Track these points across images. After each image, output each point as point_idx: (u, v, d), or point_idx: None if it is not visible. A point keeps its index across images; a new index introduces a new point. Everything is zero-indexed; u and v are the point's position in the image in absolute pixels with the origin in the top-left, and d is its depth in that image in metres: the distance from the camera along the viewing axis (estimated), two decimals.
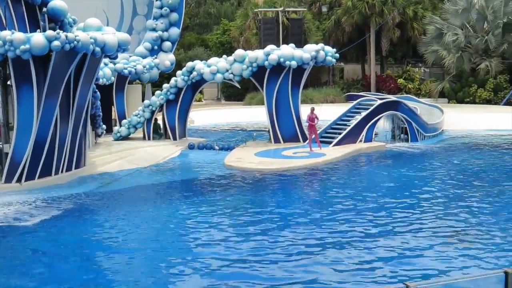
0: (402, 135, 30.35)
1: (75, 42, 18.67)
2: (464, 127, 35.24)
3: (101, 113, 26.78)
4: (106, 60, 28.07)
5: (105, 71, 29.39)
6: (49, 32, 18.40)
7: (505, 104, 44.04)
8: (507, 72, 46.63)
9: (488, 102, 45.21)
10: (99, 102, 26.35)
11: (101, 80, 28.23)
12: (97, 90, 25.90)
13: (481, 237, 13.86)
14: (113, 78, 30.58)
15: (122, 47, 20.91)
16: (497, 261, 12.09)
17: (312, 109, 26.38)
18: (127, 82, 32.34)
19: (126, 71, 31.18)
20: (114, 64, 30.54)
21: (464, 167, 23.73)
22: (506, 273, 6.97)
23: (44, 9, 22.41)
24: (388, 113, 29.58)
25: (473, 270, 11.41)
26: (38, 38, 18.23)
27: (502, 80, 45.95)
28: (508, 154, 27.15)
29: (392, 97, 33.78)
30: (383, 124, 30.76)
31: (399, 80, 51.12)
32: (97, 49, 19.80)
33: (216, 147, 27.55)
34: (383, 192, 19.00)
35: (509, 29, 46.00)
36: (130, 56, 32.09)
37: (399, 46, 54.90)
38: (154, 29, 33.75)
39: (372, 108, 28.66)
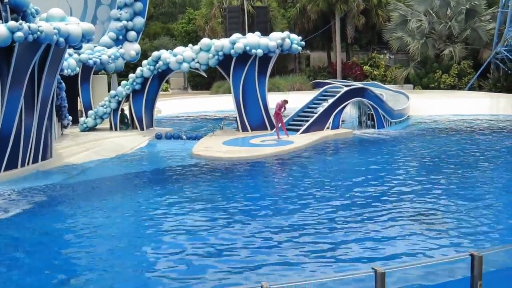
0: (368, 122, 30.61)
1: (38, 32, 18.41)
2: (430, 113, 35.66)
3: (66, 104, 26.48)
4: (71, 50, 27.74)
5: (70, 62, 29.09)
6: (12, 23, 18.09)
7: (469, 89, 44.66)
8: (470, 58, 47.26)
9: (452, 87, 45.79)
10: (64, 93, 26.05)
11: (65, 71, 27.93)
12: (62, 81, 25.61)
13: (448, 221, 14.05)
14: (78, 68, 30.29)
15: (86, 37, 20.68)
16: (463, 244, 12.28)
17: (285, 101, 26.33)
18: (92, 73, 32.04)
19: (91, 62, 30.90)
20: (79, 54, 30.23)
21: (430, 152, 24.04)
22: (472, 255, 7.09)
23: (6, 0, 22.05)
24: (355, 100, 29.78)
25: (440, 254, 11.57)
26: (0, 29, 17.93)
27: (466, 66, 46.55)
28: (472, 138, 27.57)
29: (358, 84, 34.00)
30: (350, 111, 30.98)
31: (364, 67, 51.49)
32: (61, 39, 19.56)
33: (184, 137, 27.47)
34: (351, 178, 19.13)
35: (472, 15, 46.62)
36: (94, 47, 31.78)
37: (364, 33, 55.28)
38: (118, 19, 33.45)
39: (338, 95, 28.82)
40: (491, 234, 13.15)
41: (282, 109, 26.07)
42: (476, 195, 16.67)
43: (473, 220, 14.12)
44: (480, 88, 44.45)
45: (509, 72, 43.15)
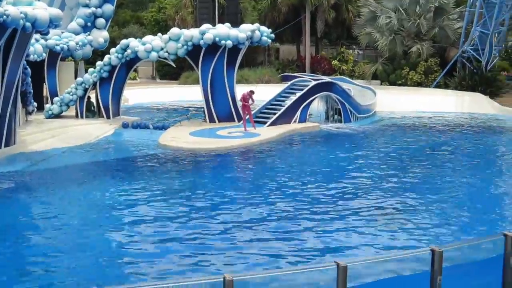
0: (335, 116, 30.77)
1: (4, 16, 18.13)
2: (396, 109, 35.97)
3: (32, 90, 26.15)
4: (37, 36, 27.34)
5: (36, 47, 28.69)
6: None
7: (436, 86, 45.10)
8: (437, 56, 47.70)
9: (419, 84, 46.17)
10: (30, 79, 25.74)
11: (32, 56, 27.57)
12: (27, 66, 25.29)
13: (410, 216, 14.22)
14: (44, 54, 29.92)
15: (53, 23, 20.40)
16: (424, 239, 12.44)
17: (251, 92, 26.35)
18: (59, 59, 31.65)
19: (58, 48, 30.52)
20: (46, 40, 29.83)
21: (395, 148, 24.28)
22: (432, 250, 7.18)
23: None
24: (322, 94, 29.91)
25: (401, 248, 11.70)
26: None
27: (433, 63, 46.97)
28: (437, 135, 27.91)
29: (326, 78, 34.14)
30: (317, 105, 31.09)
31: (333, 61, 51.64)
32: (28, 24, 19.28)
33: (151, 126, 27.31)
34: (316, 172, 19.24)
35: (440, 13, 47.05)
36: (62, 33, 31.38)
37: (334, 28, 55.35)
38: (87, 5, 33.02)
39: (306, 89, 28.91)
40: (452, 229, 13.35)
41: (250, 101, 26.06)
42: (439, 190, 16.89)
43: (435, 215, 14.32)
44: (446, 86, 44.90)
45: (475, 71, 43.69)
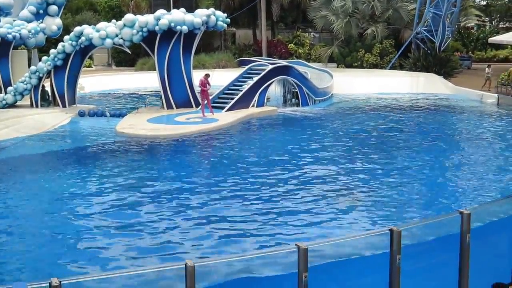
0: (293, 100, 30.89)
1: None
2: (352, 91, 36.24)
3: None
4: None
5: None
6: None
7: (391, 68, 45.61)
8: (392, 37, 48.19)
9: (375, 66, 46.63)
10: None
11: None
12: None
13: (368, 197, 14.42)
14: None
15: (4, 10, 20.06)
16: (383, 219, 12.63)
17: (207, 75, 26.30)
18: (11, 48, 31.00)
19: (10, 36, 29.85)
20: None
21: (352, 130, 24.52)
22: (391, 230, 7.29)
23: None
24: (280, 78, 29.96)
25: (361, 229, 11.86)
26: None
27: (388, 45, 47.46)
28: (393, 116, 28.25)
29: (283, 62, 34.19)
30: (275, 88, 31.15)
31: (289, 45, 51.74)
32: None
33: (108, 114, 27.01)
34: (274, 156, 19.31)
35: None
36: (14, 21, 30.69)
37: (289, 12, 55.41)
38: None
39: (263, 73, 28.94)
40: (410, 209, 13.57)
41: (208, 87, 25.97)
42: (397, 171, 17.14)
43: (393, 196, 14.54)
44: (401, 67, 45.46)
45: (429, 52, 44.29)
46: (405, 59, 45.45)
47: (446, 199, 14.37)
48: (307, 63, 43.20)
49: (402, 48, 45.79)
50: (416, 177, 16.70)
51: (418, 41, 45.38)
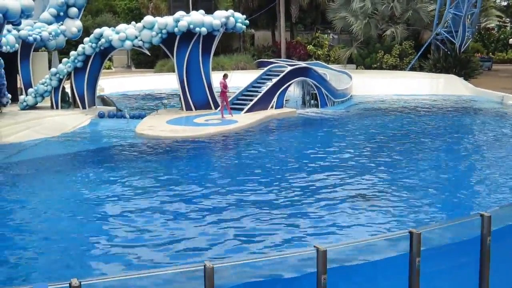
0: (312, 101, 30.84)
1: None
2: (372, 93, 36.15)
3: (5, 82, 25.86)
4: (9, 26, 27.00)
5: (9, 38, 28.34)
6: None
7: (410, 69, 45.42)
8: (412, 38, 48.01)
9: (394, 67, 46.48)
10: (3, 70, 25.45)
11: (4, 47, 27.24)
12: (0, 58, 24.96)
13: (389, 199, 14.33)
14: (17, 45, 29.53)
15: (25, 13, 20.20)
16: (403, 221, 12.55)
17: (225, 76, 26.35)
18: (32, 50, 31.28)
19: (31, 38, 30.13)
20: (18, 31, 29.44)
21: (372, 131, 24.44)
22: (411, 233, 7.25)
23: None
24: (298, 79, 29.94)
25: (381, 231, 11.79)
26: None
27: (407, 46, 47.28)
28: (413, 118, 28.10)
29: (302, 64, 34.16)
30: (294, 90, 31.13)
31: (308, 46, 51.74)
32: None
33: (127, 116, 27.15)
34: (294, 158, 19.29)
35: None
36: (34, 23, 30.99)
37: (308, 13, 55.42)
38: None
39: (282, 74, 28.94)
40: (431, 211, 13.48)
41: (226, 86, 26.00)
42: (417, 173, 17.02)
43: (413, 198, 14.44)
44: (420, 69, 45.26)
45: (449, 53, 44.04)
46: (425, 60, 45.24)
47: (466, 202, 14.26)
48: (326, 64, 43.16)
49: (422, 49, 45.58)
50: (436, 179, 16.60)
51: (438, 42, 45.14)
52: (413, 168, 17.73)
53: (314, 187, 15.38)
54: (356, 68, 47.12)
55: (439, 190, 15.44)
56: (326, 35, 55.24)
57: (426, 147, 21.20)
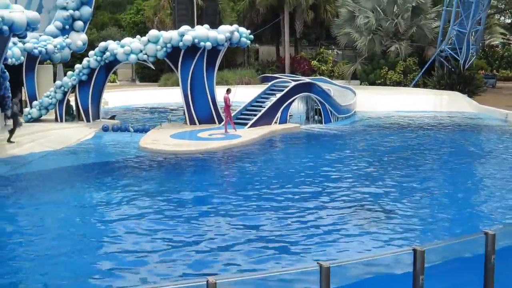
0: (316, 117, 30.85)
1: None
2: (376, 109, 36.13)
3: (10, 95, 25.92)
4: (15, 39, 27.12)
5: (14, 51, 28.45)
6: None
7: (414, 86, 45.44)
8: (416, 55, 48.08)
9: (398, 84, 46.51)
10: (8, 83, 25.53)
11: (9, 60, 27.35)
12: (5, 70, 25.07)
13: (392, 215, 14.30)
14: (22, 58, 29.63)
15: (31, 25, 20.28)
16: (406, 238, 12.52)
17: (228, 90, 26.39)
18: (37, 62, 31.39)
19: (36, 51, 30.25)
20: (24, 43, 29.56)
21: (375, 148, 24.41)
22: (414, 250, 7.22)
23: None
24: (302, 94, 29.97)
25: (384, 248, 11.75)
26: None
27: (411, 63, 47.33)
28: (417, 134, 28.08)
29: (306, 79, 34.21)
30: (298, 105, 31.16)
31: (313, 62, 51.82)
32: (5, 27, 19.15)
33: (131, 129, 27.18)
34: (297, 173, 19.25)
35: (418, 13, 47.45)
36: (40, 36, 31.13)
37: (312, 28, 55.52)
38: (65, 8, 32.81)
39: (286, 89, 28.97)
40: (434, 228, 13.44)
41: (228, 102, 26.03)
42: (420, 190, 16.99)
43: (416, 215, 14.40)
44: (424, 85, 45.26)
45: (453, 70, 44.06)
46: (429, 77, 45.27)
47: (470, 219, 14.22)
48: (330, 80, 43.21)
49: (426, 66, 45.63)
50: (439, 196, 16.57)
51: (442, 59, 45.17)
52: (416, 184, 17.70)
53: (317, 203, 15.35)
54: (360, 84, 47.13)
55: (443, 207, 15.41)
56: (330, 50, 55.32)
57: (430, 164, 21.17)
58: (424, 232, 13.13)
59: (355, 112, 34.69)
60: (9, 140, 22.74)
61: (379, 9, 47.33)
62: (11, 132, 22.95)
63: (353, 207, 15.02)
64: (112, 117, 30.40)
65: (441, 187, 17.62)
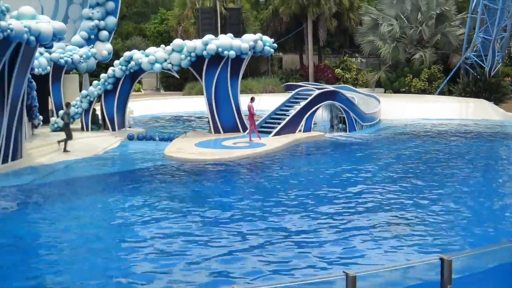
0: (340, 125, 30.77)
1: (9, 30, 18.23)
2: (400, 117, 35.93)
3: (37, 104, 26.25)
4: (42, 49, 27.49)
5: (41, 61, 28.83)
6: None
7: (439, 93, 45.14)
8: (440, 62, 47.79)
9: (423, 91, 46.24)
10: (35, 92, 25.85)
11: (36, 70, 27.67)
12: (32, 80, 25.36)
13: (418, 224, 14.18)
14: (49, 67, 30.02)
15: (57, 36, 20.51)
16: (434, 248, 12.41)
17: (252, 99, 26.43)
18: (63, 72, 31.75)
19: (62, 61, 30.62)
20: (50, 53, 29.95)
21: (401, 156, 24.24)
22: (441, 259, 7.18)
23: None
24: (326, 103, 29.91)
25: (411, 257, 11.67)
26: None
27: (436, 70, 47.04)
28: (442, 142, 27.85)
29: (330, 87, 34.16)
30: (322, 114, 31.10)
31: (336, 70, 51.74)
32: (32, 38, 19.38)
33: (156, 138, 27.33)
34: (322, 182, 19.20)
35: (442, 20, 47.17)
36: (66, 46, 31.49)
37: (336, 36, 55.50)
38: (90, 18, 33.22)
39: (310, 98, 28.95)
40: (461, 238, 13.31)
41: (253, 110, 26.06)
42: (447, 199, 16.84)
43: (443, 224, 14.27)
44: (449, 93, 44.97)
45: (478, 77, 43.71)
46: (454, 84, 44.97)
47: (498, 228, 14.06)
48: (354, 88, 43.07)
49: (451, 74, 45.32)
50: (467, 205, 16.40)
51: (467, 67, 44.85)
52: (442, 193, 17.54)
53: (342, 212, 15.28)
54: (385, 92, 46.94)
55: (471, 216, 15.25)
56: (354, 58, 55.18)
57: (456, 172, 20.96)
58: (450, 241, 13.01)
59: (379, 120, 34.53)
60: (65, 150, 23.73)
61: (402, 16, 47.18)
62: (65, 142, 23.85)
63: (379, 215, 14.92)
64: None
65: (467, 196, 17.42)
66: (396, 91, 47.00)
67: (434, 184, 18.69)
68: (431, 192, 17.55)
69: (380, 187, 18.27)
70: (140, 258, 11.97)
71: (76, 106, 28.59)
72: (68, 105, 26.06)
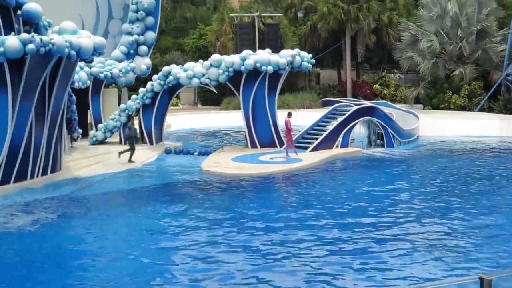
0: (378, 141, 30.52)
1: (50, 45, 18.53)
2: (439, 133, 35.52)
3: (76, 117, 26.59)
4: (82, 63, 27.92)
5: (81, 75, 29.26)
6: (24, 35, 18.21)
7: (479, 110, 44.52)
8: (481, 79, 47.14)
9: (462, 108, 45.66)
10: (74, 106, 26.19)
11: (76, 84, 28.08)
12: (72, 94, 25.73)
13: (458, 244, 13.94)
14: (89, 82, 30.44)
15: (97, 50, 20.80)
16: (473, 267, 12.17)
17: (289, 114, 26.39)
18: (103, 86, 32.16)
19: (102, 75, 31.03)
20: (90, 67, 30.40)
21: (440, 173, 23.90)
22: (481, 279, 7.00)
23: (19, 12, 22.17)
24: (364, 118, 29.73)
25: (451, 276, 11.46)
26: (12, 41, 18.04)
27: (476, 87, 46.43)
28: (482, 160, 27.41)
29: (368, 103, 33.95)
30: (359, 129, 30.91)
31: (374, 86, 51.43)
32: (73, 52, 19.68)
33: (196, 152, 27.44)
34: (360, 199, 19.00)
35: (483, 36, 46.58)
36: (106, 60, 31.93)
37: (374, 52, 55.25)
38: (130, 33, 33.64)
39: (348, 113, 28.80)
40: (502, 258, 13.02)
41: (290, 125, 26.02)
42: (487, 218, 16.51)
43: (483, 243, 13.99)
44: (490, 110, 44.32)
45: None
46: (495, 101, 44.32)
47: None
48: (392, 104, 42.75)
49: (492, 90, 44.67)
50: (507, 225, 16.04)
51: (508, 83, 44.17)
52: (482, 213, 17.19)
53: (378, 230, 15.10)
54: (423, 108, 46.46)
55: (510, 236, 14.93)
56: (392, 74, 54.79)
57: (496, 192, 20.55)
58: (491, 259, 12.74)
59: (418, 136, 34.16)
60: (130, 161, 24.80)
61: (442, 32, 46.74)
62: (131, 153, 24.96)
63: (417, 232, 14.73)
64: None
65: (509, 217, 17.02)
66: (435, 107, 46.48)
67: (474, 203, 18.35)
68: (469, 211, 17.23)
69: (420, 205, 18.01)
70: (175, 270, 11.97)
71: (115, 120, 28.89)
72: (130, 118, 26.47)
